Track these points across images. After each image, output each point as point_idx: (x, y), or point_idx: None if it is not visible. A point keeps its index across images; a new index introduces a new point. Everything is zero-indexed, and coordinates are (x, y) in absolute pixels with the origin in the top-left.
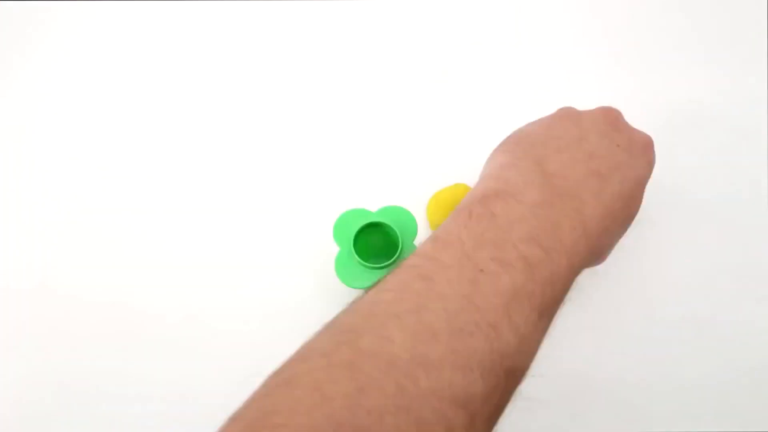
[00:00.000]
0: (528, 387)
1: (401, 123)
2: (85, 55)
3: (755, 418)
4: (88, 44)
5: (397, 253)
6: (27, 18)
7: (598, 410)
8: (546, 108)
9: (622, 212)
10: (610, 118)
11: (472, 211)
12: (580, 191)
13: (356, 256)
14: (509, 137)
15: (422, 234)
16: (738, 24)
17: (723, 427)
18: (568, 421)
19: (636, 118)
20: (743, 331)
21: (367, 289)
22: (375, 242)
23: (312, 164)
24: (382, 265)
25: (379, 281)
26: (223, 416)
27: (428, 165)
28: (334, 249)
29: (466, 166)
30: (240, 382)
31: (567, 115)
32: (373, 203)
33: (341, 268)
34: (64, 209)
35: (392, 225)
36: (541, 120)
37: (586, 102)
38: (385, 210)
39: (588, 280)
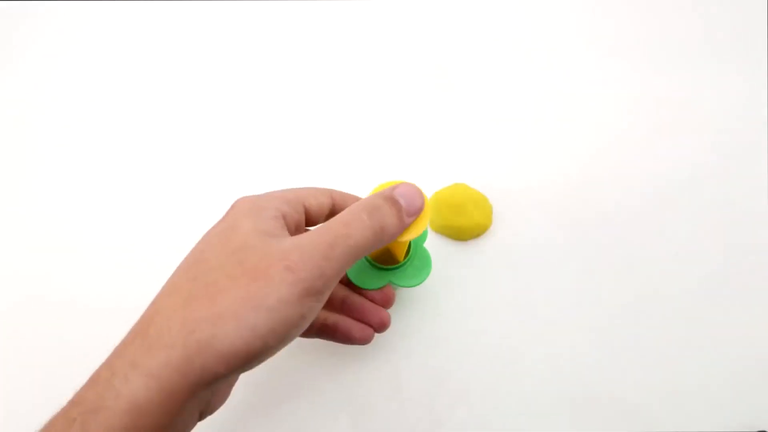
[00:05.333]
0: (528, 386)
1: (401, 123)
2: (82, 59)
3: (756, 418)
4: (80, 51)
5: (409, 255)
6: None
7: (598, 410)
8: (545, 107)
9: None
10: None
11: None
12: None
13: (366, 257)
14: None
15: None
16: (738, 24)
17: (723, 427)
18: (567, 420)
19: (636, 118)
20: (743, 331)
21: (378, 290)
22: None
23: (311, 165)
24: (393, 267)
25: None
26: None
27: (428, 165)
28: None
29: (466, 166)
30: (243, 384)
31: None
32: None
33: (352, 270)
34: (57, 213)
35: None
36: None
37: (585, 102)
38: None
39: (586, 278)
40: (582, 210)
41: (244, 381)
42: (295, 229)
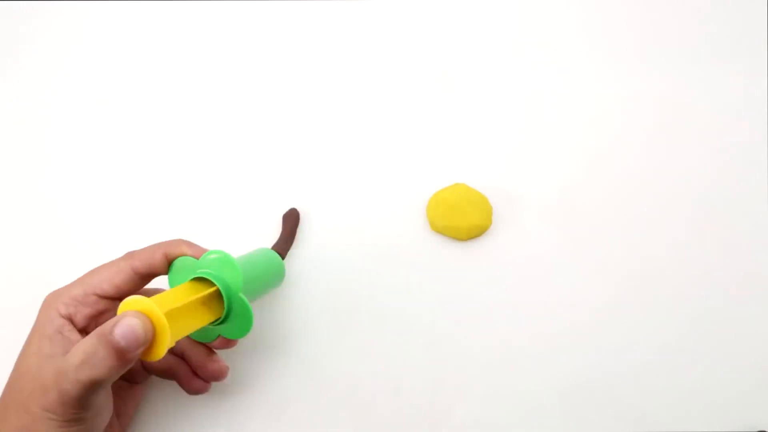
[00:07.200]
0: (528, 387)
1: (401, 122)
2: (82, 59)
3: (756, 418)
4: (83, 47)
5: (227, 309)
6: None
7: (598, 411)
8: (546, 108)
9: None
10: None
11: None
12: None
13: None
14: None
15: (428, 234)
16: (738, 24)
17: (723, 427)
18: (568, 421)
19: (636, 119)
20: (744, 331)
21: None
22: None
23: (311, 163)
24: (218, 321)
25: None
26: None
27: (428, 165)
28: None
29: (466, 166)
30: (243, 384)
31: None
32: (372, 203)
33: None
34: (60, 213)
35: (217, 277)
36: None
37: (585, 103)
38: (213, 260)
39: (585, 279)
40: (582, 211)
41: (244, 381)
42: (91, 317)
